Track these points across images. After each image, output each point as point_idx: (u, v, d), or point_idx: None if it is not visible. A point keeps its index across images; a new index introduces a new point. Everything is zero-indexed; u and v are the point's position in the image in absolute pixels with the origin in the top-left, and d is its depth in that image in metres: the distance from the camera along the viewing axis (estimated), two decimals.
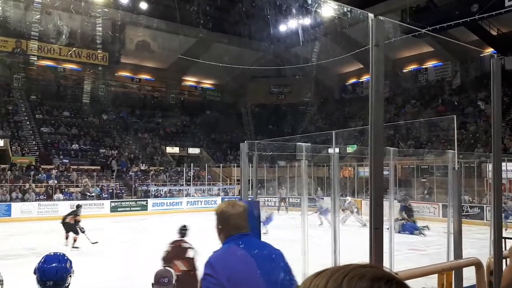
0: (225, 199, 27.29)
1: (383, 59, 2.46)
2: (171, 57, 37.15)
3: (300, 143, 5.40)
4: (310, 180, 21.90)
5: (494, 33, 28.80)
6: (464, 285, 3.65)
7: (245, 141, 5.11)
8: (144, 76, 40.98)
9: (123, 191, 27.82)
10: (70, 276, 2.62)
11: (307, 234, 5.23)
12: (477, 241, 9.73)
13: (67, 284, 2.58)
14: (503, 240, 4.01)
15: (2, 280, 2.74)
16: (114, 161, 30.42)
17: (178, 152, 35.92)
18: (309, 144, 5.53)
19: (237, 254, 2.11)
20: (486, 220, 16.17)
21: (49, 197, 24.40)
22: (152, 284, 3.64)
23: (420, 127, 28.53)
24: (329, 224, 16.20)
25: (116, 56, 35.69)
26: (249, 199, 4.92)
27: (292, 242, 4.94)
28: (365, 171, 25.91)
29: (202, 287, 2.02)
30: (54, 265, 2.53)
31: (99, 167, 29.26)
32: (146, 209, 25.84)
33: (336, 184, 4.49)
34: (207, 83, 44.81)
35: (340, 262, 4.27)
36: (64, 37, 27.39)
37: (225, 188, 31.03)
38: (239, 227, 2.20)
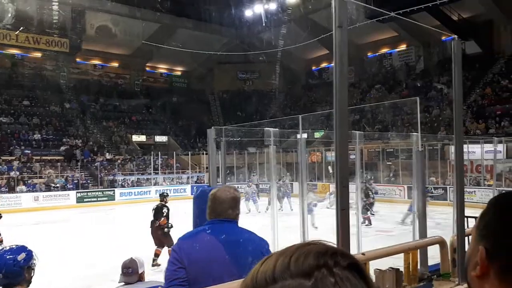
0: (195, 187, 27.22)
1: (346, 41, 2.45)
2: (134, 43, 36.23)
3: (268, 128, 5.38)
4: (280, 166, 22.05)
5: (455, 18, 29.51)
6: (429, 263, 3.75)
7: (212, 127, 5.06)
8: (107, 63, 39.90)
9: (88, 181, 27.22)
10: (28, 269, 2.55)
11: (276, 219, 5.25)
12: (442, 221, 10.06)
13: (24, 277, 2.52)
14: (465, 219, 4.13)
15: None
16: (77, 151, 29.65)
17: (144, 140, 35.35)
18: (277, 129, 5.52)
19: (204, 239, 2.14)
20: (450, 200, 16.73)
21: (11, 189, 23.60)
22: (120, 274, 3.66)
23: (385, 110, 29.12)
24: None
25: (77, 42, 34.51)
26: (218, 185, 4.89)
27: (263, 227, 4.96)
28: (332, 156, 26.27)
29: (168, 260, 2.12)
30: (4, 257, 2.49)
31: (62, 158, 28.47)
32: (114, 199, 25.38)
33: (303, 169, 4.50)
34: (173, 69, 44.09)
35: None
36: (10, 16, 25.92)
37: (194, 176, 30.83)
38: (220, 212, 2.21)
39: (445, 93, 28.61)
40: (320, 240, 0.59)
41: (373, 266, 3.08)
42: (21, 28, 29.32)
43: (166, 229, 9.15)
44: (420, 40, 34.14)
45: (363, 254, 2.84)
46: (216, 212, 2.22)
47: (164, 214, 9.25)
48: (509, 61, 28.61)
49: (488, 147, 19.70)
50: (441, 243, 3.51)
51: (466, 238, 3.11)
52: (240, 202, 2.34)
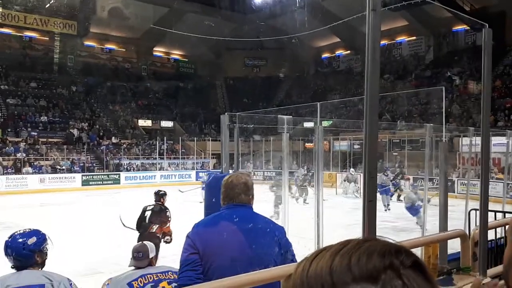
0: (200, 173, 27.22)
1: (379, 25, 2.33)
2: (142, 26, 36.00)
3: (281, 115, 5.28)
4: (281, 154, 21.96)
5: (467, 8, 29.07)
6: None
7: (226, 113, 4.96)
8: (115, 47, 39.70)
9: (94, 165, 27.29)
10: (40, 252, 2.61)
11: (288, 207, 5.19)
12: (450, 213, 9.97)
13: (35, 260, 2.57)
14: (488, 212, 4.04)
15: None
16: (83, 134, 29.67)
17: (150, 125, 35.33)
18: (291, 117, 5.42)
19: (218, 224, 2.18)
20: (458, 193, 16.63)
21: (18, 171, 23.72)
22: (130, 258, 3.66)
23: (397, 101, 28.75)
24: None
25: (85, 25, 34.31)
26: (230, 172, 4.81)
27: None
28: (340, 145, 26.18)
29: (183, 246, 2.16)
30: (14, 240, 2.56)
31: (67, 140, 28.52)
32: (119, 183, 25.50)
33: (320, 158, 4.42)
34: (181, 55, 43.85)
35: (323, 234, 4.24)
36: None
37: (199, 162, 30.83)
38: (232, 197, 2.24)
39: (455, 84, 28.29)
40: (381, 236, 0.53)
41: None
42: (30, 8, 29.16)
43: (169, 239, 6.77)
44: (430, 30, 33.70)
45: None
46: (229, 197, 2.25)
47: (170, 219, 6.87)
48: None
49: (497, 140, 19.49)
50: (462, 236, 3.42)
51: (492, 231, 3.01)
52: (253, 187, 2.34)
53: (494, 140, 19.96)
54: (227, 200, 2.26)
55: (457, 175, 19.56)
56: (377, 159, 2.34)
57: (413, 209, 11.43)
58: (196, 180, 26.28)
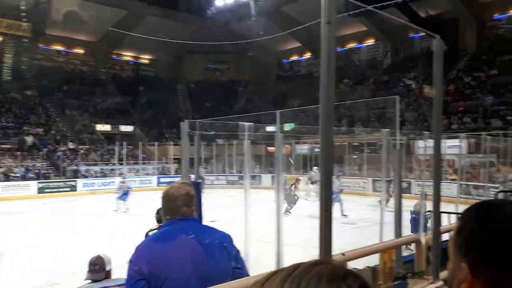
0: (162, 179, 26.83)
1: (334, 37, 2.37)
2: (101, 29, 35.15)
3: (242, 122, 5.30)
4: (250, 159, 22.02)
5: (423, 15, 30.15)
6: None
7: (186, 120, 4.92)
8: (73, 50, 38.58)
9: (50, 171, 26.35)
10: None
11: (249, 212, 5.19)
12: (406, 214, 10.25)
13: None
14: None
15: None
16: (37, 140, 28.55)
17: (109, 129, 34.49)
18: (252, 123, 5.45)
19: (162, 242, 2.05)
20: (414, 194, 17.13)
21: None
22: (87, 271, 3.57)
23: (356, 106, 29.43)
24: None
25: (40, 27, 33.17)
26: (191, 179, 4.77)
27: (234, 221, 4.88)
28: (301, 149, 26.53)
29: (127, 272, 1.99)
30: None
31: (20, 146, 27.43)
32: (76, 190, 24.70)
33: (280, 162, 4.45)
34: (141, 58, 43.12)
35: (283, 240, 4.27)
36: None
37: (161, 167, 30.35)
38: (175, 211, 2.10)
39: (412, 89, 29.24)
40: (322, 259, 0.53)
41: (350, 265, 3.07)
42: None
43: None
44: (388, 36, 34.72)
45: (343, 254, 2.81)
46: (171, 211, 2.11)
47: None
48: (473, 58, 29.52)
49: (450, 142, 20.27)
50: (417, 241, 3.53)
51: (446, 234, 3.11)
52: (195, 197, 2.19)
53: (448, 142, 20.79)
54: (169, 215, 2.11)
55: (413, 177, 20.20)
56: (332, 169, 2.38)
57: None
58: (157, 186, 25.91)
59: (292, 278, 0.50)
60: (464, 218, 0.76)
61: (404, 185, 19.94)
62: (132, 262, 1.99)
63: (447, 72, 29.62)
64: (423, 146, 10.55)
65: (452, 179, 19.65)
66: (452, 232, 0.80)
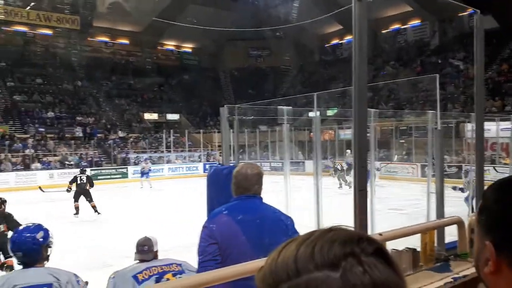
0: (207, 165, 27.33)
1: (366, 15, 2.35)
2: (145, 19, 35.91)
3: (281, 106, 5.30)
4: (292, 144, 21.99)
5: None
6: (445, 241, 3.71)
7: (225, 105, 4.99)
8: (119, 41, 39.74)
9: (102, 159, 27.49)
10: (47, 247, 2.60)
11: (290, 197, 5.22)
12: (457, 200, 9.94)
13: (42, 255, 2.55)
14: None
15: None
16: (88, 128, 29.81)
17: (156, 118, 35.43)
18: (291, 107, 5.44)
19: (233, 215, 2.19)
20: (465, 178, 16.49)
21: (27, 167, 23.96)
22: (135, 252, 3.69)
23: (400, 88, 28.65)
24: None
25: (88, 19, 34.36)
26: (231, 164, 4.85)
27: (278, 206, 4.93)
28: (345, 134, 26.10)
29: (200, 236, 2.16)
30: (23, 236, 2.53)
31: (76, 135, 28.76)
32: (127, 177, 25.64)
33: (318, 147, 4.44)
34: (184, 46, 43.78)
35: (323, 224, 4.28)
36: None
37: (206, 154, 30.93)
38: (246, 188, 2.27)
39: (461, 70, 28.02)
40: (340, 225, 0.56)
41: (390, 246, 3.05)
42: (32, 4, 29.21)
43: None
44: (435, 15, 33.32)
45: (380, 234, 2.79)
46: (243, 188, 2.27)
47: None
48: None
49: (504, 124, 19.32)
50: (459, 223, 3.44)
51: None
52: (262, 178, 2.38)
53: (502, 124, 19.81)
54: (240, 191, 2.28)
55: (463, 161, 19.46)
56: (367, 149, 2.37)
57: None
58: (203, 172, 26.41)
59: (307, 243, 0.52)
60: (487, 195, 0.75)
61: (453, 169, 19.32)
62: (206, 227, 2.16)
63: (500, 51, 28.11)
64: (471, 129, 10.13)
65: (505, 163, 18.81)
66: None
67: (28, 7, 30.18)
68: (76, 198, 12.94)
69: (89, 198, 12.97)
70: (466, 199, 12.09)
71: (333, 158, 21.62)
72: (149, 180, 21.11)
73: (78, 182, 13.22)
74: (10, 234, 8.60)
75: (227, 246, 2.10)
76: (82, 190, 12.97)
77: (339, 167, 19.15)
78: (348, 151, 19.83)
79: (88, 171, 24.69)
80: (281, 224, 2.25)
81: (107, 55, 39.11)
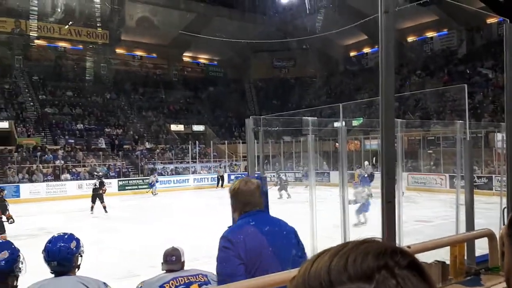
0: (232, 176, 27.47)
1: (393, 26, 2.35)
2: (171, 33, 36.62)
3: (306, 117, 5.31)
4: (317, 155, 21.86)
5: None
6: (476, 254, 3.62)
7: (250, 117, 5.01)
8: (145, 54, 40.57)
9: (129, 170, 27.95)
10: (78, 256, 2.66)
11: (315, 208, 5.19)
12: (486, 211, 9.67)
13: (74, 264, 2.60)
14: None
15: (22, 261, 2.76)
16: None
17: (182, 129, 35.88)
18: (316, 118, 5.43)
19: (249, 231, 2.17)
20: (495, 190, 16.09)
21: (57, 177, 24.57)
22: (162, 263, 3.71)
23: (427, 98, 28.18)
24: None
25: (116, 33, 35.26)
26: (256, 175, 4.87)
27: (300, 216, 4.89)
28: (371, 144, 25.79)
29: (220, 259, 2.12)
30: (58, 245, 2.57)
31: (104, 147, 29.37)
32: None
33: (344, 158, 4.42)
34: (209, 59, 44.33)
35: (350, 237, 4.24)
36: (59, 10, 26.94)
37: (231, 164, 31.07)
38: (251, 203, 2.24)
39: (490, 78, 27.39)
40: (374, 237, 0.56)
41: (418, 259, 3.00)
42: (70, 22, 30.22)
43: (12, 220, 10.58)
44: (462, 24, 32.78)
45: (408, 247, 2.76)
46: (251, 204, 2.25)
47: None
48: None
49: None
50: (490, 235, 3.35)
51: None
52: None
53: None
54: (249, 207, 2.25)
55: (494, 172, 18.94)
56: (395, 159, 2.35)
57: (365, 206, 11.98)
58: (228, 183, 26.52)
59: (341, 254, 0.52)
60: None
61: (484, 180, 18.82)
62: (227, 247, 2.10)
63: None
64: (501, 139, 9.87)
65: None
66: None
67: (67, 25, 31.26)
68: (93, 200, 16.17)
69: (101, 200, 16.05)
70: (360, 210, 11.88)
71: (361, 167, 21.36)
72: (154, 189, 23.86)
73: (93, 187, 16.62)
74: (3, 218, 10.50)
75: (255, 259, 2.09)
76: (96, 193, 16.17)
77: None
78: (366, 162, 19.55)
79: (116, 182, 25.26)
80: (291, 236, 2.27)
81: (135, 68, 40.00)
